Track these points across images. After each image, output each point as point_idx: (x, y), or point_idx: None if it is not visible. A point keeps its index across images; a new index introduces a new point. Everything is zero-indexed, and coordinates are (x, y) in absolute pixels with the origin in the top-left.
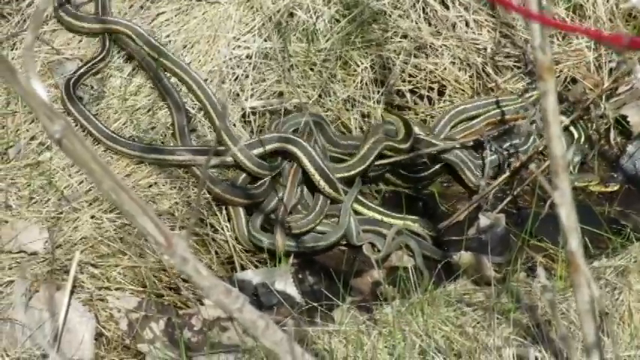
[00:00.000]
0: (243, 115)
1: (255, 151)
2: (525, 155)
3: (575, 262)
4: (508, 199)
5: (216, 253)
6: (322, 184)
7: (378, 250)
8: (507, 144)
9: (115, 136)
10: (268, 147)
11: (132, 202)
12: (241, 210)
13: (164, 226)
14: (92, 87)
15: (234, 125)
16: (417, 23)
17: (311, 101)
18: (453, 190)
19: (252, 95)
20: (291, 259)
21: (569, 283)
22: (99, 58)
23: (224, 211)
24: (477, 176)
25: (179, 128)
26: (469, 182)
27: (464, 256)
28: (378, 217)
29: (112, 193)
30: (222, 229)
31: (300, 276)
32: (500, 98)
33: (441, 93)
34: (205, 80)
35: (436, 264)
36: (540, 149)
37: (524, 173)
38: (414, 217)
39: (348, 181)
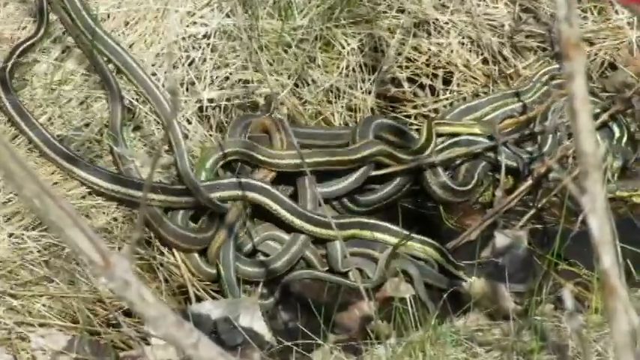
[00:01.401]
0: (200, 108)
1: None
2: (552, 158)
3: (609, 283)
4: (531, 213)
5: (166, 280)
6: (301, 224)
7: (369, 277)
8: (529, 146)
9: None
10: (225, 193)
11: (60, 212)
12: None
13: (100, 241)
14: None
15: (189, 122)
16: None
17: (285, 91)
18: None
19: (210, 84)
20: (259, 288)
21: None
22: (37, 37)
23: None
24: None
25: (113, 126)
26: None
27: (476, 284)
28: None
29: (35, 200)
30: (173, 252)
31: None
32: (521, 89)
33: (446, 81)
34: (152, 67)
35: (441, 294)
36: (571, 151)
37: (551, 181)
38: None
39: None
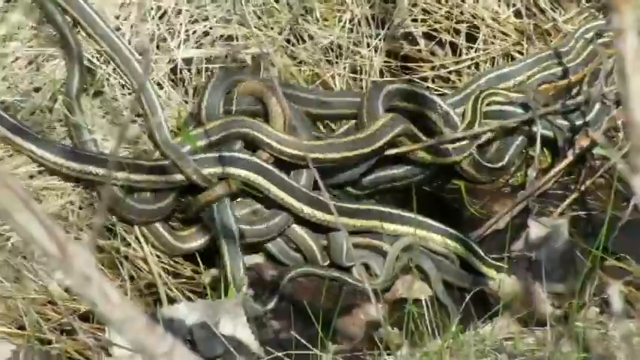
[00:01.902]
0: (174, 70)
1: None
2: (597, 130)
3: None
4: (572, 197)
5: (132, 277)
6: (307, 210)
7: (376, 275)
8: (571, 116)
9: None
10: (211, 169)
11: (7, 193)
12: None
13: (56, 227)
14: None
15: (160, 86)
16: None
17: (275, 48)
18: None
19: (186, 40)
20: (245, 288)
21: None
22: None
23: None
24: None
25: (69, 90)
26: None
27: (506, 283)
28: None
29: None
30: (140, 242)
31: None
32: (561, 48)
33: (471, 38)
34: (116, 20)
35: (464, 294)
36: (620, 122)
37: (596, 159)
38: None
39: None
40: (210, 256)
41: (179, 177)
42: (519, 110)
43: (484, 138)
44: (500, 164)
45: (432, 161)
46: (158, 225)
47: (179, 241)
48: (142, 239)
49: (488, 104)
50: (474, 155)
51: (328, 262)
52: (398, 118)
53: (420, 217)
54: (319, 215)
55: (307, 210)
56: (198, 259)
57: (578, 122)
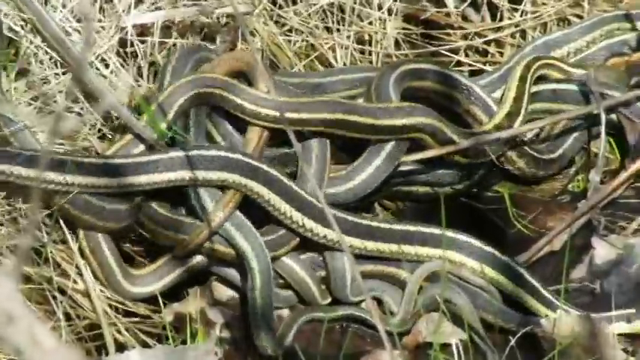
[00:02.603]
0: (123, 42)
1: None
2: None
3: None
4: None
5: (69, 316)
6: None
7: (392, 312)
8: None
9: None
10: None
11: None
12: (102, 240)
13: None
14: None
15: (105, 64)
16: None
17: (257, 11)
18: (540, 189)
19: (138, 2)
20: (217, 330)
21: None
22: None
23: (81, 241)
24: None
25: None
26: None
27: (563, 322)
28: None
29: None
30: (80, 270)
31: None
32: (634, 10)
33: None
34: None
35: (508, 338)
36: None
37: None
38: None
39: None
40: (172, 288)
41: (139, 179)
42: (579, 92)
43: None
44: (552, 155)
45: (468, 161)
46: (109, 255)
47: (133, 284)
48: (83, 267)
49: (537, 81)
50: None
51: (329, 298)
52: (422, 108)
53: (451, 234)
54: (324, 233)
55: (310, 225)
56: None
57: None
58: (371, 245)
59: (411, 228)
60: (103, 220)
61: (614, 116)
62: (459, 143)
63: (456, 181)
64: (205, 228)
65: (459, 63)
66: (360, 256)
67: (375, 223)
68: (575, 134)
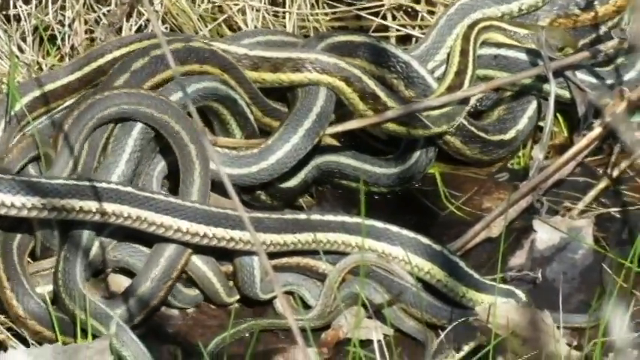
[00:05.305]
0: (5, 4)
1: None
2: (635, 90)
3: None
4: (599, 187)
5: None
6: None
7: (308, 306)
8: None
9: None
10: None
11: None
12: None
13: None
14: None
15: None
16: None
17: None
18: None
19: None
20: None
21: None
22: None
23: None
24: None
25: None
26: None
27: (501, 312)
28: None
29: None
30: None
31: None
32: None
33: None
34: None
35: (437, 331)
36: None
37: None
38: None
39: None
40: None
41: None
42: (526, 57)
43: (476, 99)
44: (502, 137)
45: (406, 134)
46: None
47: None
48: None
49: (480, 45)
50: (465, 124)
51: (237, 296)
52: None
53: (371, 222)
54: (222, 234)
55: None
56: None
57: (610, 79)
58: (284, 239)
59: (324, 216)
60: None
61: (560, 90)
62: (397, 109)
63: (395, 184)
64: None
65: (384, 28)
66: (276, 253)
67: (289, 216)
68: (529, 114)
